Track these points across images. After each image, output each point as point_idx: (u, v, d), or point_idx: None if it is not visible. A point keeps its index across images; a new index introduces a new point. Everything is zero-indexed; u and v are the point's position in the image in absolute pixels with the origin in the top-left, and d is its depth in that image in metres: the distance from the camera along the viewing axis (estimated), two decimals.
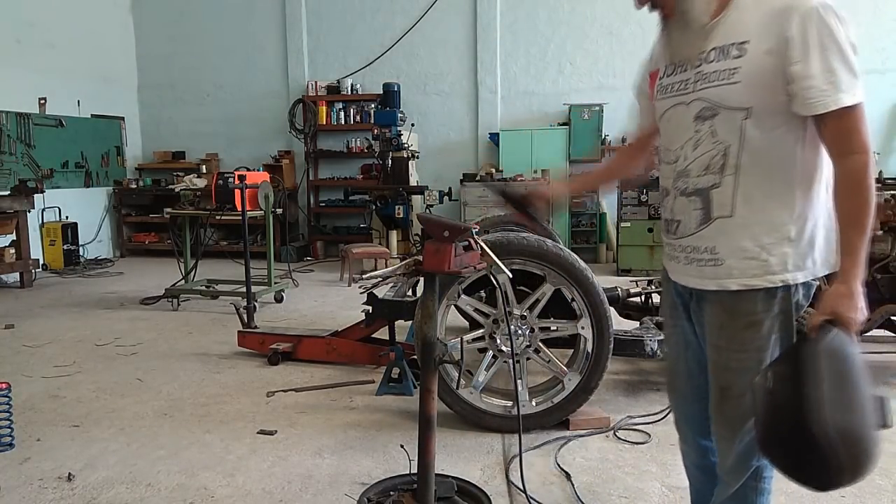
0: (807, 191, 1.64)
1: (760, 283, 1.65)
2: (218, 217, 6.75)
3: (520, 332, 3.40)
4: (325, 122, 10.39)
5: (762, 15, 1.57)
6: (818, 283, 1.72)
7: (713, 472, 1.95)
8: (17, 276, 7.99)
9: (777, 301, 1.66)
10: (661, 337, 3.65)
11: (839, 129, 1.56)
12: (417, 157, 9.21)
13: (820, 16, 1.52)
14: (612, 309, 3.54)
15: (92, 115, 10.20)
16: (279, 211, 7.44)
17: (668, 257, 1.88)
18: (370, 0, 10.27)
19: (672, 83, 1.76)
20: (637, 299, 4.47)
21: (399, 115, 8.70)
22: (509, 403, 3.41)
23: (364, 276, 4.08)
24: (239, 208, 6.22)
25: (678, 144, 1.75)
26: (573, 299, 3.36)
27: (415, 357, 3.78)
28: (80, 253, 9.55)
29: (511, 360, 3.32)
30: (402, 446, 2.84)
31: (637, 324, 4.16)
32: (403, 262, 3.38)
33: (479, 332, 3.47)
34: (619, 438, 3.36)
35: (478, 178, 9.21)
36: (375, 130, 8.79)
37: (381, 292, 4.45)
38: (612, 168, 2.41)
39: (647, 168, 2.16)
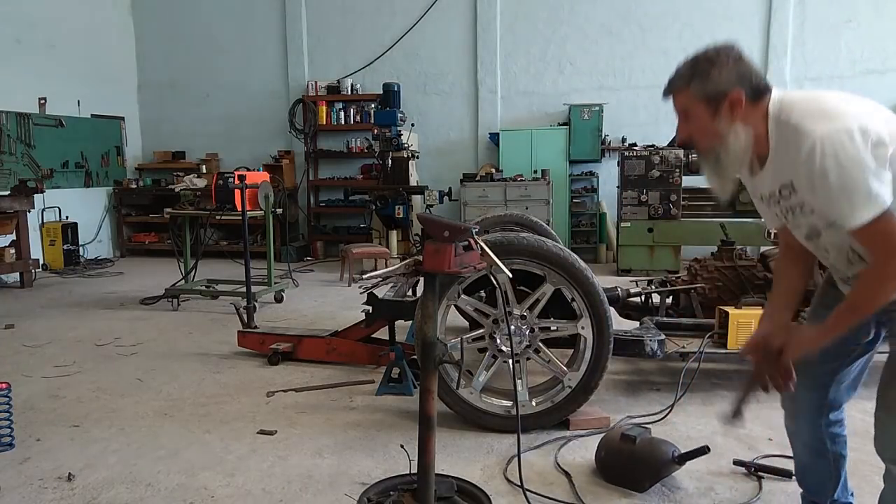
0: None
1: None
2: (218, 217, 6.75)
3: (520, 332, 3.40)
4: (325, 122, 10.40)
5: (792, 156, 1.71)
6: None
7: (825, 453, 2.18)
8: (17, 276, 7.99)
9: None
10: (661, 337, 3.65)
11: (864, 239, 1.72)
12: (417, 157, 9.21)
13: (823, 156, 1.62)
14: (612, 309, 3.54)
15: (92, 115, 10.21)
16: (279, 211, 7.44)
17: (841, 284, 2.03)
18: (370, 0, 10.27)
19: (776, 212, 1.93)
20: (637, 299, 4.47)
21: (399, 115, 8.70)
22: (509, 403, 3.41)
23: (364, 276, 4.09)
24: (239, 208, 6.22)
25: (813, 250, 1.98)
26: (573, 299, 3.35)
27: (415, 357, 3.78)
28: (80, 253, 9.56)
29: (511, 360, 3.32)
30: (402, 446, 2.84)
31: (637, 324, 4.16)
32: (403, 262, 3.38)
33: (479, 332, 3.46)
34: None
35: (478, 177, 9.22)
36: (375, 130, 8.80)
37: (381, 292, 4.45)
38: (792, 287, 2.16)
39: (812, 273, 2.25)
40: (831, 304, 1.97)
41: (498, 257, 2.31)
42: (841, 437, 2.17)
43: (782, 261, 2.16)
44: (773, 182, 1.82)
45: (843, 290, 2.00)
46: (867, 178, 1.62)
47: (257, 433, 3.47)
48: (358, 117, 10.37)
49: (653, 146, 8.51)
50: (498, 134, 9.71)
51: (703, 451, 2.79)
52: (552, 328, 3.43)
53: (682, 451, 2.84)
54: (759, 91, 1.77)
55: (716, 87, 1.75)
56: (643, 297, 4.45)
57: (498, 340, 3.41)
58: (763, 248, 5.09)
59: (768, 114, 1.75)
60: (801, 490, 2.41)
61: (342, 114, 10.41)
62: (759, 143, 1.78)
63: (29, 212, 8.05)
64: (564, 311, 3.44)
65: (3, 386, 3.30)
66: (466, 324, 4.62)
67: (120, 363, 4.80)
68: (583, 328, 3.35)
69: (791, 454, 3.09)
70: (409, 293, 4.68)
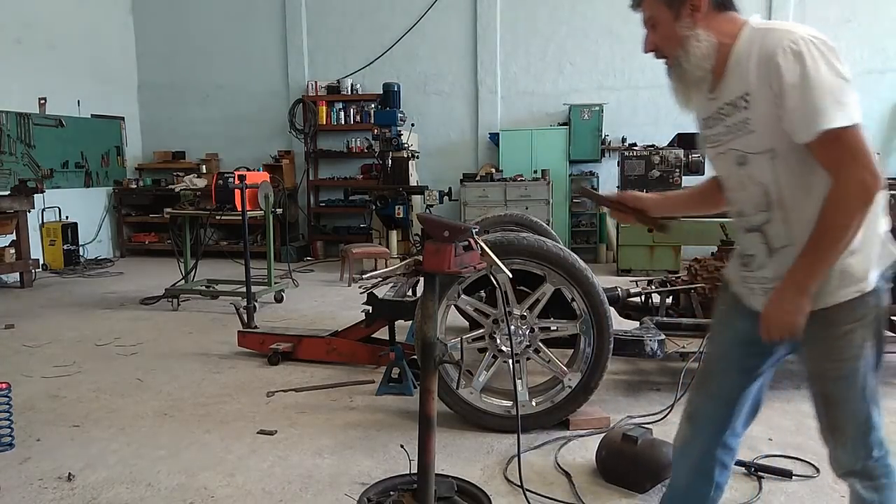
0: None
1: (837, 299, 1.72)
2: (218, 217, 6.75)
3: (520, 332, 3.40)
4: (325, 122, 10.39)
5: (753, 64, 1.67)
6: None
7: (710, 479, 2.02)
8: (17, 276, 7.99)
9: (863, 310, 1.72)
10: (661, 337, 3.65)
11: (825, 155, 1.63)
12: (417, 157, 9.21)
13: (794, 51, 1.59)
14: (612, 309, 3.54)
15: (92, 115, 10.21)
16: (279, 211, 7.44)
17: (743, 287, 1.92)
18: (370, 0, 10.27)
19: (710, 135, 1.88)
20: (637, 299, 4.47)
21: (399, 115, 8.70)
22: (509, 403, 3.41)
23: (364, 276, 4.10)
24: (239, 208, 6.22)
25: (730, 187, 1.89)
26: (573, 299, 3.36)
27: (415, 357, 3.78)
28: (80, 253, 9.56)
29: (511, 360, 3.32)
30: (402, 446, 2.84)
31: (637, 324, 4.15)
32: (403, 262, 3.38)
33: (479, 332, 3.47)
34: None
35: (478, 177, 9.22)
36: (375, 130, 8.80)
37: (381, 292, 4.45)
38: (698, 196, 2.27)
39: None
40: (729, 303, 1.97)
41: (498, 257, 2.30)
42: (728, 469, 2.05)
43: (708, 181, 2.16)
44: (725, 96, 1.76)
45: (742, 287, 1.91)
46: (842, 85, 1.59)
47: (257, 433, 3.47)
48: (358, 117, 10.37)
49: (653, 146, 8.51)
50: (498, 134, 9.71)
51: None
52: (552, 328, 3.43)
53: None
54: (723, 2, 1.77)
55: None
56: (643, 297, 4.44)
57: (498, 340, 3.41)
58: None
59: (736, 29, 1.73)
60: None
61: (342, 114, 10.41)
62: (720, 55, 1.74)
63: (29, 212, 8.06)
64: (564, 311, 3.44)
65: (3, 386, 3.30)
66: (466, 324, 4.62)
67: (120, 363, 4.80)
68: (583, 328, 3.35)
69: (791, 454, 3.12)
70: (409, 293, 4.68)
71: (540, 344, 3.40)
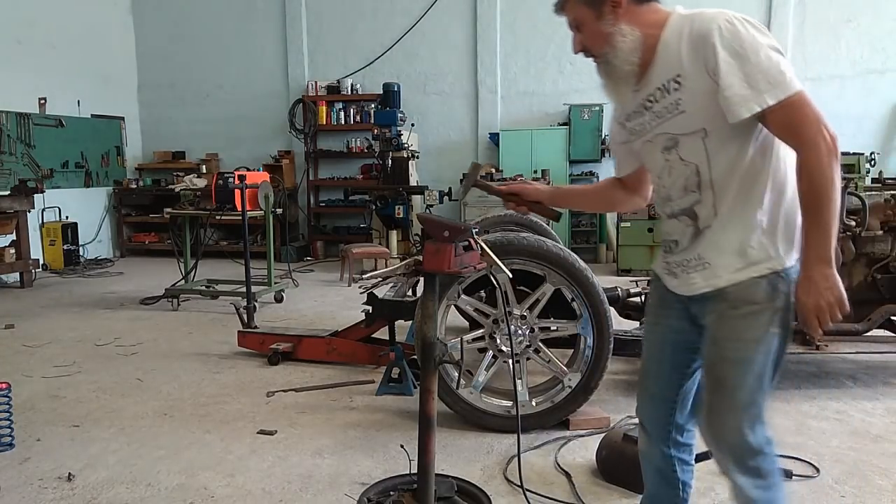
0: (775, 184, 1.72)
1: (747, 275, 1.71)
2: (218, 217, 6.74)
3: (520, 332, 3.40)
4: (325, 122, 10.39)
5: (684, 46, 1.67)
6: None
7: (673, 480, 2.01)
8: (17, 276, 7.99)
9: (775, 293, 1.70)
10: None
11: (780, 127, 1.63)
12: (417, 157, 9.21)
13: (728, 29, 1.60)
14: (612, 309, 3.54)
15: (92, 115, 10.20)
16: (279, 211, 7.44)
17: (665, 272, 1.94)
18: (370, 0, 10.27)
19: (635, 127, 1.88)
20: (637, 299, 4.47)
21: (399, 115, 8.70)
22: (509, 403, 3.41)
23: (364, 276, 4.10)
24: (239, 208, 6.22)
25: (657, 174, 1.89)
26: (573, 299, 3.36)
27: (415, 357, 3.78)
28: (80, 253, 9.56)
29: (511, 360, 3.32)
30: (402, 446, 2.84)
31: (637, 324, 4.15)
32: (403, 262, 3.39)
33: (479, 332, 3.47)
34: None
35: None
36: (375, 130, 8.80)
37: (381, 292, 4.45)
38: (595, 194, 2.38)
39: (645, 201, 2.21)
40: (657, 300, 1.99)
41: (498, 257, 2.30)
42: (689, 465, 2.04)
43: (607, 181, 2.21)
44: (654, 83, 1.75)
45: (664, 273, 1.93)
46: (780, 58, 1.60)
47: (257, 433, 3.47)
48: (358, 117, 10.37)
49: None
50: (498, 134, 9.71)
51: (707, 455, 2.78)
52: (552, 328, 3.43)
53: None
54: None
55: None
56: (643, 297, 4.44)
57: (498, 340, 3.41)
58: None
59: (661, 19, 1.74)
60: None
61: (342, 114, 10.41)
62: (646, 46, 1.74)
63: (29, 212, 8.05)
64: (564, 311, 3.44)
65: (3, 386, 3.30)
66: (466, 324, 4.62)
67: (120, 363, 4.80)
68: (583, 328, 3.35)
69: (791, 454, 3.12)
70: (409, 293, 4.68)
71: (540, 344, 3.41)
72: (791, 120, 1.59)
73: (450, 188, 8.71)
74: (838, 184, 1.59)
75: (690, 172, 1.76)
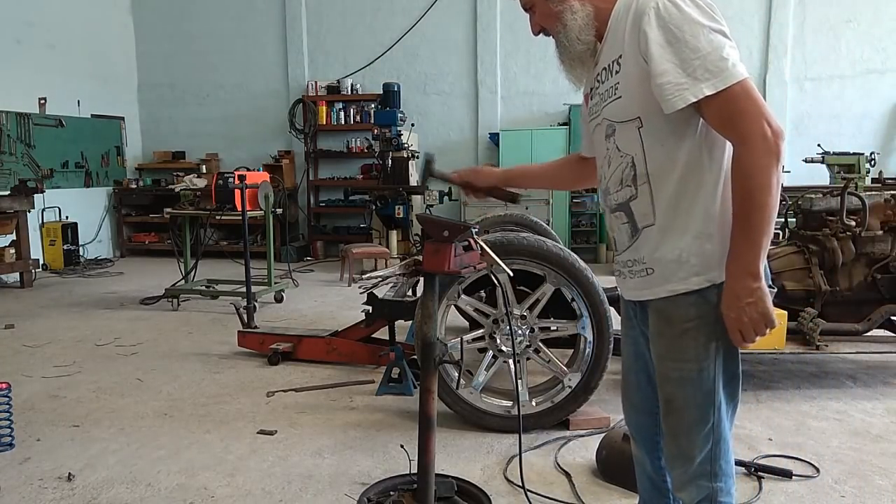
0: (718, 187, 1.56)
1: (686, 287, 1.59)
2: (218, 217, 6.74)
3: (520, 332, 3.40)
4: (325, 122, 10.39)
5: (628, 25, 1.54)
6: None
7: (664, 489, 1.90)
8: (17, 276, 7.99)
9: (711, 306, 1.56)
10: None
11: (718, 120, 1.47)
12: (417, 157, 9.21)
13: (666, 8, 1.46)
14: (612, 309, 3.54)
15: (92, 115, 10.21)
16: (279, 211, 7.43)
17: (616, 273, 1.84)
18: (370, 0, 10.27)
19: (592, 107, 1.76)
20: None
21: (399, 115, 8.70)
22: (509, 403, 3.41)
23: (364, 276, 4.09)
24: (239, 208, 6.22)
25: (600, 164, 1.76)
26: (573, 299, 3.36)
27: (415, 357, 3.78)
28: (80, 253, 9.56)
29: (511, 360, 3.32)
30: (402, 446, 2.84)
31: None
32: (403, 262, 3.38)
33: (479, 332, 3.46)
34: None
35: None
36: (375, 130, 8.80)
37: (381, 292, 4.45)
38: (552, 172, 2.23)
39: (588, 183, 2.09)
40: (624, 308, 1.89)
41: (498, 257, 2.30)
42: None
43: (567, 158, 2.11)
44: (602, 62, 1.65)
45: (615, 274, 1.82)
46: (723, 42, 1.44)
47: (257, 433, 3.47)
48: (358, 117, 10.37)
49: None
50: (498, 134, 9.71)
51: None
52: (552, 328, 3.43)
53: None
54: None
55: None
56: None
57: (498, 340, 3.41)
58: None
59: None
60: None
61: (342, 114, 10.41)
62: (600, 22, 1.63)
63: (29, 212, 8.05)
64: (564, 311, 3.44)
65: (3, 386, 3.30)
66: (466, 324, 4.62)
67: (120, 363, 4.80)
68: (583, 328, 3.35)
69: (791, 454, 3.12)
70: (409, 293, 4.69)
71: (540, 344, 3.41)
72: (729, 113, 1.43)
73: (450, 188, 8.70)
74: (776, 189, 1.42)
75: (626, 165, 1.62)
